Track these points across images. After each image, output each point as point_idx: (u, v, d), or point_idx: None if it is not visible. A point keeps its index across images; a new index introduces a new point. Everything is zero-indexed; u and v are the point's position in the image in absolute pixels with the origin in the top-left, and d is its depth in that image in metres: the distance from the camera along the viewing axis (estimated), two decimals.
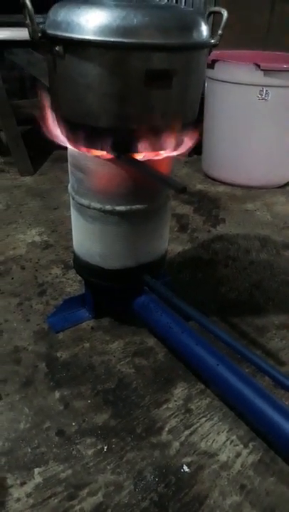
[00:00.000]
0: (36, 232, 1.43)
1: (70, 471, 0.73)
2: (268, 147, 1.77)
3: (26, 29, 0.69)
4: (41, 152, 2.05)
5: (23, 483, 0.71)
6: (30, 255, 1.31)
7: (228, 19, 0.74)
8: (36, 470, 0.73)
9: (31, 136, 2.03)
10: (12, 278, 1.20)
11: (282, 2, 2.22)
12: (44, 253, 1.32)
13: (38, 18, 0.69)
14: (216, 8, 0.76)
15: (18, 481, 0.71)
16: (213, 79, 1.74)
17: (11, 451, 0.75)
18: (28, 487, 0.70)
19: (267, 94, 1.61)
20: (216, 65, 1.69)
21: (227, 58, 1.68)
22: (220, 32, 0.75)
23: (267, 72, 1.58)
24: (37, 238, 1.40)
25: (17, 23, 1.92)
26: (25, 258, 1.29)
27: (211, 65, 1.69)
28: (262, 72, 1.58)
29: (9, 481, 0.71)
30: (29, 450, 0.76)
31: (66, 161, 0.87)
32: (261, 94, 1.62)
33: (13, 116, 1.86)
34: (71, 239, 0.97)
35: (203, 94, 1.77)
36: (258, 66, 1.57)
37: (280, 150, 1.79)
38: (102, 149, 0.77)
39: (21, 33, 1.83)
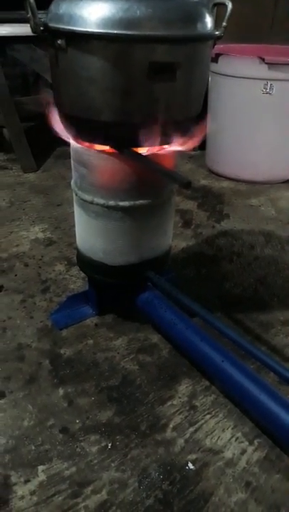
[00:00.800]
0: (39, 229, 1.43)
1: (74, 469, 0.72)
2: (272, 142, 1.75)
3: (28, 25, 0.68)
4: (44, 149, 2.04)
5: (27, 481, 0.70)
6: (34, 252, 1.30)
7: (232, 12, 0.73)
8: (40, 468, 0.72)
9: (34, 132, 2.02)
10: (15, 275, 1.20)
11: None
12: (47, 250, 1.32)
13: (41, 15, 0.69)
14: (221, 0, 0.75)
15: (22, 479, 0.70)
16: (217, 73, 1.72)
17: (15, 448, 0.75)
18: (32, 485, 0.70)
19: (271, 88, 1.60)
20: (220, 58, 1.67)
21: (231, 52, 1.66)
22: (224, 24, 0.73)
23: (271, 65, 1.56)
24: (40, 235, 1.40)
25: (19, 19, 1.91)
26: (29, 255, 1.29)
27: (215, 59, 1.68)
28: (266, 66, 1.56)
29: (13, 479, 0.70)
30: (33, 448, 0.75)
31: (69, 157, 0.86)
32: (266, 88, 1.61)
33: (15, 112, 1.85)
34: (74, 235, 0.96)
35: (207, 88, 1.76)
36: (263, 60, 1.55)
37: (284, 144, 1.78)
38: (105, 144, 0.77)
39: (23, 29, 1.81)
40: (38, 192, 1.70)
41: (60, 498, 0.68)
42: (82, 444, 0.76)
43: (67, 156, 0.86)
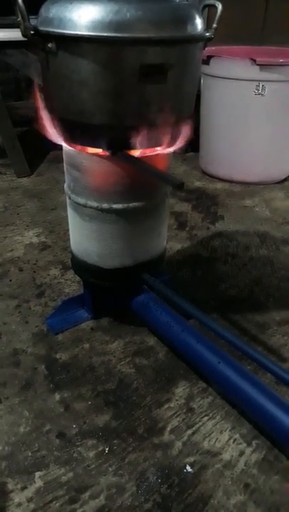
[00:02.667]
0: (34, 234, 1.42)
1: (71, 474, 0.72)
2: (265, 142, 1.76)
3: (19, 30, 0.68)
4: (38, 153, 2.04)
5: (23, 488, 0.69)
6: (28, 257, 1.30)
7: (223, 14, 0.73)
8: (37, 474, 0.71)
9: (27, 137, 2.01)
10: (10, 280, 1.19)
11: None
12: (42, 254, 1.31)
13: (33, 20, 0.69)
14: (211, 1, 0.75)
15: (19, 486, 0.70)
16: (208, 75, 1.73)
17: (11, 455, 0.74)
18: (29, 491, 0.69)
19: (263, 89, 1.60)
20: (212, 60, 1.68)
21: (223, 54, 1.67)
22: (215, 25, 0.73)
23: (263, 67, 1.57)
24: (34, 239, 1.39)
25: (10, 25, 1.90)
26: (23, 260, 1.28)
27: (207, 61, 1.68)
28: (258, 67, 1.57)
29: (10, 486, 0.70)
30: (29, 454, 0.75)
31: (62, 161, 0.86)
32: (257, 89, 1.61)
33: (8, 117, 1.85)
34: (69, 239, 0.96)
35: (199, 90, 1.76)
36: (254, 61, 1.56)
37: (277, 145, 1.78)
38: (97, 147, 0.76)
39: (15, 34, 1.81)
40: (32, 196, 1.69)
41: (57, 504, 0.67)
42: (79, 449, 0.76)
43: (60, 160, 0.86)
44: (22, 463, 0.73)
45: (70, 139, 0.78)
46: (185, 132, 0.79)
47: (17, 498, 0.68)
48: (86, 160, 0.79)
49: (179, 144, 0.79)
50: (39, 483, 0.70)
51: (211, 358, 0.80)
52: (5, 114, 1.84)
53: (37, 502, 0.68)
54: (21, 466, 0.73)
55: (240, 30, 2.08)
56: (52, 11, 0.67)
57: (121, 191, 0.80)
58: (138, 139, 0.73)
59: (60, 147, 0.84)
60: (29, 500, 0.68)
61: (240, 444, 0.78)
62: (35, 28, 0.69)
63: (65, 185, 0.88)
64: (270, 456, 0.76)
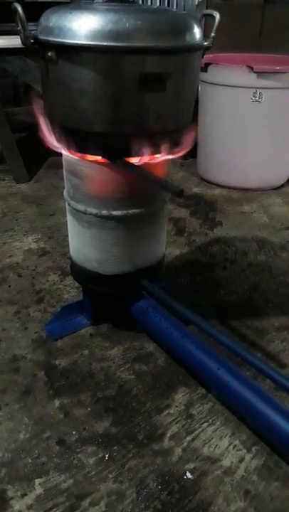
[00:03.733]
0: (33, 239, 1.43)
1: (71, 481, 0.72)
2: (262, 149, 1.77)
3: (18, 37, 0.69)
4: (36, 159, 2.05)
5: (23, 495, 0.69)
6: (27, 263, 1.30)
7: (220, 23, 0.74)
8: (37, 481, 0.71)
9: (26, 143, 2.02)
10: (9, 286, 1.19)
11: (272, 5, 2.23)
12: (41, 260, 1.31)
13: (31, 26, 0.69)
14: (209, 11, 0.76)
15: (19, 493, 0.70)
16: (206, 82, 1.74)
17: (11, 462, 0.74)
18: (29, 498, 0.69)
19: (260, 96, 1.61)
20: (210, 68, 1.69)
21: (220, 61, 1.68)
22: (213, 34, 0.74)
23: (260, 74, 1.58)
24: (33, 245, 1.39)
25: (9, 32, 1.92)
26: (22, 266, 1.28)
27: (205, 69, 1.69)
28: (255, 75, 1.58)
29: (10, 493, 0.70)
30: (29, 460, 0.75)
31: (61, 167, 0.86)
32: (255, 97, 1.62)
33: (7, 123, 1.85)
34: (68, 245, 0.96)
35: (197, 97, 1.77)
36: (251, 68, 1.57)
37: (275, 151, 1.80)
38: (97, 154, 0.77)
39: (14, 41, 1.83)
40: (31, 202, 1.70)
41: (57, 511, 0.67)
42: (79, 455, 0.76)
43: (59, 166, 0.87)
44: (22, 470, 0.73)
45: (70, 146, 0.79)
46: (184, 140, 0.80)
47: (17, 505, 0.68)
48: (86, 167, 0.79)
49: (179, 152, 0.80)
50: (39, 490, 0.70)
51: (211, 364, 0.80)
52: (3, 120, 1.85)
53: (37, 509, 0.67)
54: (21, 473, 0.73)
55: (237, 38, 2.10)
56: (52, 20, 0.68)
57: (120, 198, 0.80)
58: (137, 147, 0.73)
59: (59, 154, 0.84)
60: (29, 507, 0.68)
61: (240, 450, 0.78)
62: (35, 37, 0.69)
63: (65, 192, 0.88)
64: (270, 462, 0.76)
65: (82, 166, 0.80)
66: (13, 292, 1.17)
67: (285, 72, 1.59)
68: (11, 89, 2.86)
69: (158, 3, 2.38)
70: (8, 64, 2.21)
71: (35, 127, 0.82)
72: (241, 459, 0.76)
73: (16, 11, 0.67)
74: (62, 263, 1.29)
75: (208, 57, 1.73)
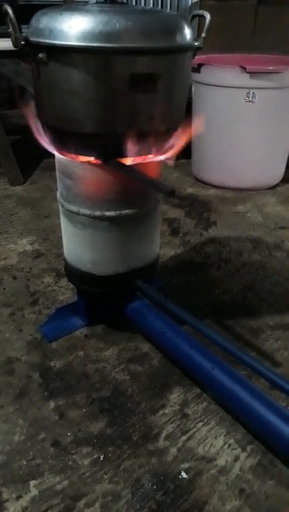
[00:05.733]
0: (27, 241, 1.42)
1: (66, 482, 0.71)
2: (256, 149, 1.78)
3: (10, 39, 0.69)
4: (31, 161, 2.04)
5: (18, 497, 0.69)
6: (22, 265, 1.30)
7: (213, 24, 0.74)
8: (32, 482, 0.71)
9: (20, 145, 2.02)
10: (4, 288, 1.19)
11: (264, 6, 2.24)
12: (36, 262, 1.31)
13: (26, 29, 0.70)
14: (199, 12, 0.76)
15: (14, 495, 0.69)
16: (200, 83, 1.75)
17: (6, 464, 0.74)
18: (24, 500, 0.69)
19: (254, 96, 1.62)
20: (203, 68, 1.69)
21: (213, 62, 1.69)
22: (203, 35, 0.75)
23: (253, 74, 1.59)
24: (28, 247, 1.39)
25: (2, 34, 1.92)
26: (17, 268, 1.28)
27: (198, 69, 1.70)
28: (248, 75, 1.59)
29: (5, 495, 0.69)
30: (24, 462, 0.74)
31: (55, 169, 0.86)
32: (248, 97, 1.63)
33: (1, 126, 1.85)
34: (62, 247, 0.96)
35: (190, 98, 1.78)
36: (244, 69, 1.58)
37: (268, 151, 1.80)
38: (89, 155, 0.77)
39: (7, 44, 1.83)
40: (26, 204, 1.69)
41: None
42: (74, 456, 0.76)
43: (53, 168, 0.87)
44: (17, 472, 0.73)
45: (62, 147, 0.79)
46: (177, 140, 0.80)
47: (12, 507, 0.68)
48: (78, 168, 0.79)
49: (171, 152, 0.80)
50: (34, 492, 0.70)
51: (205, 364, 0.81)
52: None
53: (32, 511, 0.67)
54: (16, 475, 0.72)
55: (230, 39, 2.11)
56: (42, 22, 0.68)
57: (113, 199, 0.80)
58: (129, 148, 0.73)
59: (53, 155, 0.84)
60: (24, 509, 0.68)
61: (235, 449, 0.78)
62: (26, 39, 0.69)
63: (58, 193, 0.88)
64: (264, 461, 0.76)
65: (74, 167, 0.80)
66: (7, 294, 1.16)
67: (277, 72, 1.60)
68: (5, 92, 2.86)
69: (151, 5, 2.39)
70: (2, 67, 2.21)
71: (29, 129, 0.82)
72: (236, 458, 0.76)
73: (7, 12, 0.67)
74: (57, 265, 1.29)
75: (201, 57, 1.74)
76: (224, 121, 1.75)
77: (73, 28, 0.65)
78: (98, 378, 0.91)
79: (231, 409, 0.83)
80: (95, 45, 0.64)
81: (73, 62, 0.66)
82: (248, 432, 0.80)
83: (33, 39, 0.69)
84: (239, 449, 0.78)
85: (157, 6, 2.37)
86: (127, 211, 0.82)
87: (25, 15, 0.77)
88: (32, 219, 1.58)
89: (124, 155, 0.75)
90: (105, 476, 0.73)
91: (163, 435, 0.80)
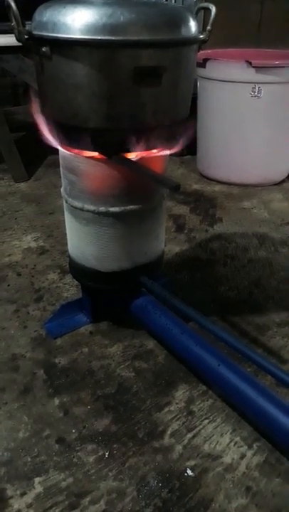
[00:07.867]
0: (32, 238, 1.42)
1: (71, 479, 0.71)
2: (262, 144, 1.76)
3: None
4: (35, 158, 2.04)
5: (23, 494, 0.69)
6: (26, 261, 1.29)
7: (219, 18, 0.73)
8: (37, 479, 0.71)
9: (25, 142, 2.02)
10: (8, 285, 1.19)
11: (271, 0, 2.22)
12: (40, 258, 1.31)
13: (28, 26, 0.69)
14: (205, 4, 0.75)
15: (18, 492, 0.69)
16: (205, 78, 1.73)
17: (11, 460, 0.74)
18: (29, 497, 0.68)
19: (259, 91, 1.60)
20: (208, 63, 1.68)
21: (218, 57, 1.67)
22: (209, 27, 0.74)
23: (258, 69, 1.57)
24: (33, 244, 1.39)
25: (7, 30, 1.91)
26: (21, 264, 1.28)
27: (203, 64, 1.68)
28: (254, 70, 1.57)
29: (9, 492, 0.69)
30: (29, 459, 0.74)
31: (60, 165, 0.86)
32: (254, 92, 1.61)
33: (5, 123, 1.85)
34: (67, 243, 0.96)
35: (195, 93, 1.77)
36: (250, 63, 1.56)
37: (274, 147, 1.79)
38: (93, 150, 0.76)
39: (11, 40, 1.82)
40: (30, 201, 1.69)
41: (57, 510, 0.67)
42: (78, 453, 0.75)
43: (58, 164, 0.86)
44: (21, 468, 0.73)
45: (66, 142, 0.78)
46: (182, 135, 0.79)
47: (16, 504, 0.68)
48: (82, 163, 0.79)
49: (176, 146, 0.79)
50: (39, 488, 0.70)
51: (211, 361, 0.80)
52: (2, 119, 1.84)
53: (36, 508, 0.67)
54: (21, 471, 0.72)
55: (235, 33, 2.09)
56: (46, 15, 0.67)
57: (118, 194, 0.80)
58: (133, 142, 0.73)
59: (57, 151, 0.84)
60: (29, 506, 0.67)
61: (241, 446, 0.77)
62: (29, 33, 0.69)
63: (62, 189, 0.87)
64: (271, 459, 0.75)
65: (78, 163, 0.79)
66: (12, 291, 1.16)
67: (284, 67, 1.59)
68: (9, 89, 2.86)
69: None
70: (6, 63, 2.20)
71: (33, 126, 0.82)
72: (242, 456, 0.75)
73: (9, 5, 0.66)
74: (62, 261, 1.28)
75: (206, 52, 1.72)
76: (230, 117, 1.73)
77: (77, 20, 0.64)
78: (103, 375, 0.91)
79: (237, 407, 0.82)
80: (99, 38, 0.63)
81: (77, 55, 0.65)
82: (254, 430, 0.80)
83: (36, 33, 0.68)
84: (245, 447, 0.77)
85: None
86: (131, 207, 0.81)
87: (30, 10, 0.76)
88: (36, 216, 1.58)
89: (128, 150, 0.75)
90: (110, 474, 0.72)
91: (168, 432, 0.79)
